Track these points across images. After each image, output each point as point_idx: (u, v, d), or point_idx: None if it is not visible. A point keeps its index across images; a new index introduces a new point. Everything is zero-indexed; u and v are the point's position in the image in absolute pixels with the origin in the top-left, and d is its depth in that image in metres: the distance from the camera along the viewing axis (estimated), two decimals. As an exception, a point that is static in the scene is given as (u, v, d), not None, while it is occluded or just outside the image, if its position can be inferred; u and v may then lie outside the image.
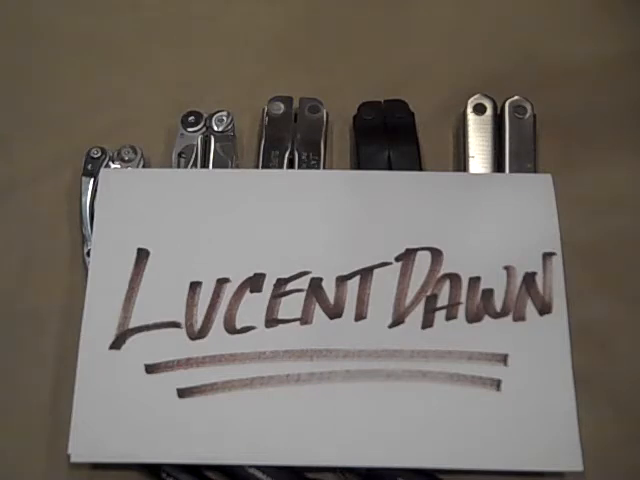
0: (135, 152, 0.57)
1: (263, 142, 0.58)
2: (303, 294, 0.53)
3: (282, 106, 0.59)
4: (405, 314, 0.52)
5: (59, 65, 0.63)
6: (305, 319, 0.52)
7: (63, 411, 0.50)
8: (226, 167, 0.57)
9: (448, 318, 0.52)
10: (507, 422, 0.50)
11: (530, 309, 0.52)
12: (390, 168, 0.57)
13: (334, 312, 0.52)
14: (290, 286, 0.53)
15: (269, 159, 0.58)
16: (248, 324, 0.52)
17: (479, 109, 0.59)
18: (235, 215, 0.55)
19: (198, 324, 0.52)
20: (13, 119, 0.61)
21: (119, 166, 0.57)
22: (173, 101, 0.60)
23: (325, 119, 0.59)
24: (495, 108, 0.59)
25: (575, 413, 0.50)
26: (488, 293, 0.53)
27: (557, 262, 0.53)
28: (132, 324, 0.52)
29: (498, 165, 0.58)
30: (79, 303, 0.52)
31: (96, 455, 0.49)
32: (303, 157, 0.58)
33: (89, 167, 0.57)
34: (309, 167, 0.57)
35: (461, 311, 0.52)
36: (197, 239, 0.54)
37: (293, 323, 0.52)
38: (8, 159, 0.59)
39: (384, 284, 0.53)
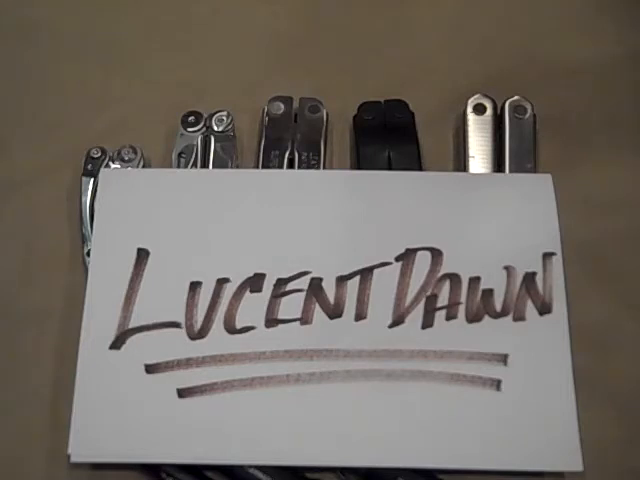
0: (135, 152, 0.57)
1: (263, 142, 0.58)
2: (303, 294, 0.53)
3: (282, 106, 0.59)
4: (405, 314, 0.52)
5: (59, 65, 0.63)
6: (305, 319, 0.52)
7: (63, 411, 0.50)
8: (226, 167, 0.57)
9: (448, 318, 0.52)
10: (507, 422, 0.50)
11: (530, 309, 0.52)
12: (390, 168, 0.57)
13: (334, 312, 0.52)
14: (290, 286, 0.53)
15: (269, 159, 0.58)
16: (248, 324, 0.52)
17: (479, 109, 0.59)
18: (235, 215, 0.55)
19: (198, 324, 0.52)
20: (13, 119, 0.61)
21: (119, 166, 0.57)
22: (173, 101, 0.60)
23: (325, 119, 0.59)
24: (495, 108, 0.59)
25: (575, 413, 0.50)
26: (488, 293, 0.53)
27: (557, 262, 0.53)
28: (132, 324, 0.52)
29: (498, 165, 0.58)
30: (79, 303, 0.52)
31: (96, 455, 0.49)
32: (303, 157, 0.58)
33: (89, 167, 0.57)
34: (309, 167, 0.57)
35: (461, 311, 0.52)
36: (197, 239, 0.54)
37: (293, 323, 0.52)
38: (8, 159, 0.59)
39: (384, 284, 0.53)
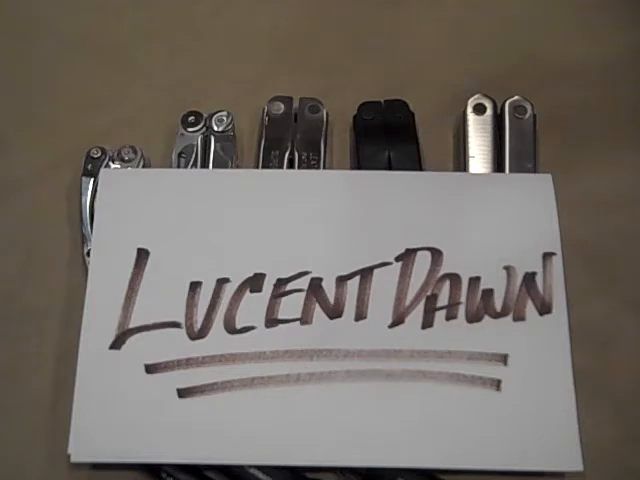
0: (135, 152, 0.57)
1: (263, 142, 0.58)
2: (303, 294, 0.53)
3: (282, 106, 0.59)
4: (405, 314, 0.52)
5: (59, 65, 0.63)
6: (305, 319, 0.52)
7: (63, 411, 0.50)
8: (226, 167, 0.57)
9: (448, 318, 0.52)
10: (507, 422, 0.50)
11: (530, 309, 0.52)
12: (390, 168, 0.57)
13: (334, 312, 0.52)
14: (290, 286, 0.53)
15: (269, 159, 0.58)
16: (248, 324, 0.52)
17: (479, 109, 0.59)
18: (235, 215, 0.55)
19: (198, 324, 0.52)
20: (13, 119, 0.61)
21: (119, 166, 0.57)
22: (173, 101, 0.60)
23: (325, 119, 0.59)
24: (495, 108, 0.59)
25: (575, 413, 0.50)
26: (488, 293, 0.53)
27: (557, 262, 0.53)
28: (132, 324, 0.52)
29: (498, 165, 0.58)
30: (79, 303, 0.52)
31: (96, 455, 0.49)
32: (303, 157, 0.58)
33: (89, 167, 0.57)
34: (309, 167, 0.57)
35: (461, 311, 0.52)
36: (197, 239, 0.54)
37: (293, 323, 0.52)
38: (8, 159, 0.59)
39: (384, 284, 0.53)
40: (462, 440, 0.49)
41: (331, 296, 0.52)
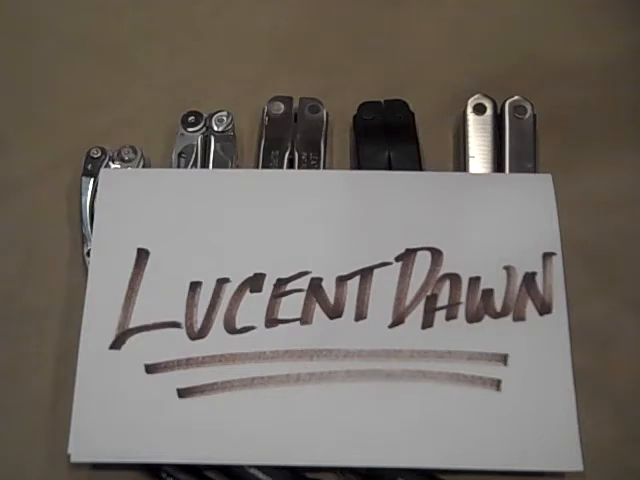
0: (135, 152, 0.57)
1: (263, 142, 0.58)
2: (303, 294, 0.53)
3: (282, 106, 0.59)
4: (405, 314, 0.52)
5: (59, 65, 0.63)
6: (305, 319, 0.52)
7: (63, 411, 0.50)
8: (226, 167, 0.57)
9: (448, 318, 0.52)
10: (507, 422, 0.50)
11: (530, 309, 0.52)
12: (390, 168, 0.57)
13: (334, 312, 0.52)
14: (290, 286, 0.53)
15: (269, 159, 0.58)
16: (248, 324, 0.52)
17: (479, 109, 0.59)
18: (235, 215, 0.55)
19: (198, 324, 0.52)
20: (13, 119, 0.61)
21: (119, 166, 0.57)
22: (173, 101, 0.60)
23: (325, 119, 0.59)
24: (495, 108, 0.59)
25: (575, 413, 0.50)
26: (488, 293, 0.53)
27: (557, 262, 0.53)
28: (132, 324, 0.52)
29: (498, 165, 0.58)
30: (79, 303, 0.52)
31: (96, 455, 0.49)
32: (303, 157, 0.58)
33: (89, 167, 0.57)
34: (309, 167, 0.57)
35: (461, 311, 0.52)
36: (197, 239, 0.54)
37: (293, 323, 0.52)
38: (8, 159, 0.59)
39: (384, 284, 0.53)
40: (462, 440, 0.49)
41: (331, 296, 0.52)
